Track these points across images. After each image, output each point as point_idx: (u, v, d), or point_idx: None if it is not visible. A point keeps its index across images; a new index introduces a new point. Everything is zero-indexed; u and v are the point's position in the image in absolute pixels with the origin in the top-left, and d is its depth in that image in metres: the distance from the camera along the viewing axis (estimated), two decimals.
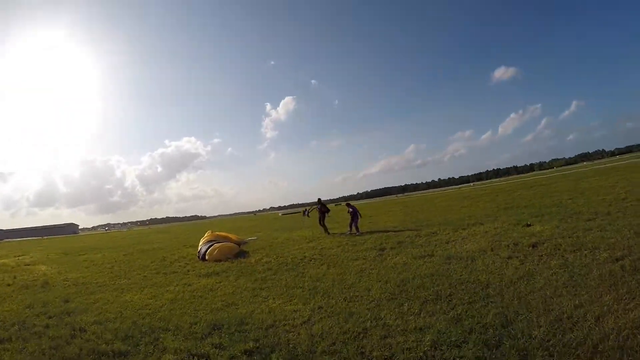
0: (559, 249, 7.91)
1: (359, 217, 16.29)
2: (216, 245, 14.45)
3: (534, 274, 6.56)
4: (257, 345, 5.00)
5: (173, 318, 6.53)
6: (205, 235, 17.60)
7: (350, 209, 16.40)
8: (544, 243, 8.61)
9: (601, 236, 8.37)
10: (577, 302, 5.02)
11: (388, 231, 14.64)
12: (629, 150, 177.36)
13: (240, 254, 14.32)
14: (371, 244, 12.02)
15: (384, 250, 10.63)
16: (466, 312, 5.26)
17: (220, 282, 9.44)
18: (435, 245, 10.44)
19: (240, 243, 17.89)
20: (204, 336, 5.54)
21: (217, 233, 18.48)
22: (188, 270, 11.89)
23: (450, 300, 5.77)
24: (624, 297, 4.94)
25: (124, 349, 5.25)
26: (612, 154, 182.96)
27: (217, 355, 4.79)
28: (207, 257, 13.99)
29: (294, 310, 6.32)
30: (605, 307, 4.71)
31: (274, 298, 7.33)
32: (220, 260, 13.13)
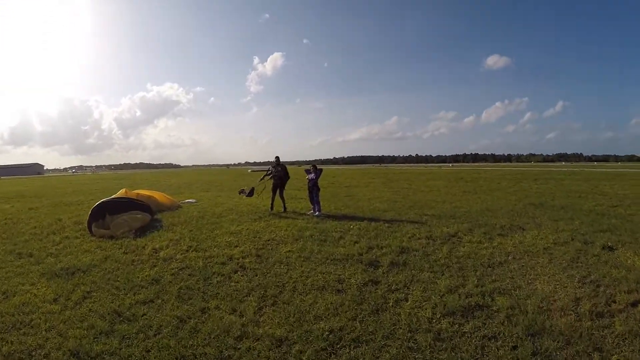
0: None
1: (318, 188, 11.01)
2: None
3: None
4: None
5: None
6: (118, 193, 12.14)
7: (312, 175, 11.03)
8: None
9: None
10: None
11: (376, 219, 9.59)
12: (605, 159, 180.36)
13: (150, 226, 9.24)
14: (351, 245, 6.91)
15: (376, 268, 5.58)
16: None
17: (52, 301, 4.75)
18: (474, 269, 5.51)
19: (168, 207, 12.62)
20: None
21: (138, 191, 13.06)
22: (51, 253, 7.07)
23: None
24: None
25: None
26: (589, 159, 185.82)
27: None
28: (93, 230, 8.78)
29: None
30: None
31: None
32: (110, 237, 8.26)
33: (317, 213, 10.47)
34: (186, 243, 7.29)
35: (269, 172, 11.61)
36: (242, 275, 5.36)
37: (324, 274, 5.31)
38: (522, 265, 5.84)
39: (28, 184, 38.41)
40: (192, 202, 14.55)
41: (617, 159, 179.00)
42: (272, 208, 11.21)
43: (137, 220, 9.26)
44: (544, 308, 4.29)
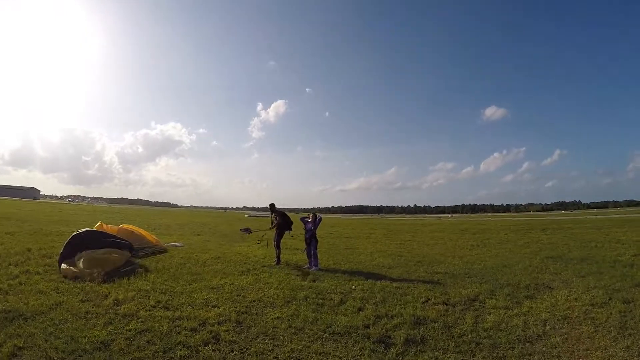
0: None
1: (317, 240, 9.79)
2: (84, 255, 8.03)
3: None
4: None
5: None
6: (95, 226, 11.09)
7: (309, 225, 9.81)
8: None
9: None
10: None
11: (381, 277, 8.42)
12: (604, 205, 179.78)
13: (124, 268, 8.20)
14: (354, 312, 5.68)
15: (388, 348, 4.37)
16: None
17: None
18: (510, 346, 4.35)
19: (153, 246, 11.61)
20: None
21: (124, 226, 12.11)
22: (1, 289, 6.11)
23: None
24: None
25: None
26: (589, 206, 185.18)
27: None
28: (61, 269, 7.72)
29: None
30: None
31: None
32: (75, 278, 7.18)
33: (313, 268, 9.30)
34: (156, 297, 6.09)
35: (274, 220, 10.18)
36: (213, 350, 4.14)
37: (320, 355, 4.09)
38: (566, 338, 4.72)
39: (18, 207, 37.20)
40: (177, 246, 13.34)
41: (616, 204, 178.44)
42: (278, 262, 9.89)
43: (109, 261, 8.12)
44: None
